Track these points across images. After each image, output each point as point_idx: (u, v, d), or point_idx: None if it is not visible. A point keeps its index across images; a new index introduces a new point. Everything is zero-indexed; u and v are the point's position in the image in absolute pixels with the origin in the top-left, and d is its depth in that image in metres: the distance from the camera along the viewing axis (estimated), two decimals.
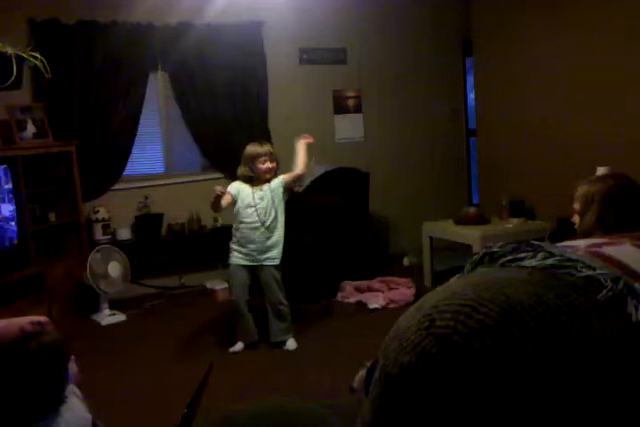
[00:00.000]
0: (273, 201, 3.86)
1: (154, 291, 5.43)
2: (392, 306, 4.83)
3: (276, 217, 3.89)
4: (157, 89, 5.53)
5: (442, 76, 6.62)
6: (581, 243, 0.68)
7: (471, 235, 4.86)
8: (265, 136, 5.80)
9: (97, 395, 2.41)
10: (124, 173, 5.36)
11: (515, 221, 5.05)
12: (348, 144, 6.26)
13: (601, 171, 3.85)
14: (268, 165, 3.81)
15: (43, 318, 1.80)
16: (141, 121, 5.36)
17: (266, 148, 3.83)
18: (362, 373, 2.04)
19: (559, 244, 0.71)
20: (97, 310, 4.81)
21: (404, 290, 5.07)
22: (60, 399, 1.80)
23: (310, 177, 4.23)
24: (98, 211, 5.11)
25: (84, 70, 5.02)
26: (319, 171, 5.80)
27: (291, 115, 5.95)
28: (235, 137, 5.67)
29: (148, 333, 4.53)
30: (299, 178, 4.03)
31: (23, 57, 4.39)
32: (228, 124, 5.64)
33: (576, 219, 2.40)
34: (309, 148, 4.02)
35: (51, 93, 4.93)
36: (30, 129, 4.71)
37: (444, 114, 6.69)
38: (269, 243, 3.89)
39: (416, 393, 0.49)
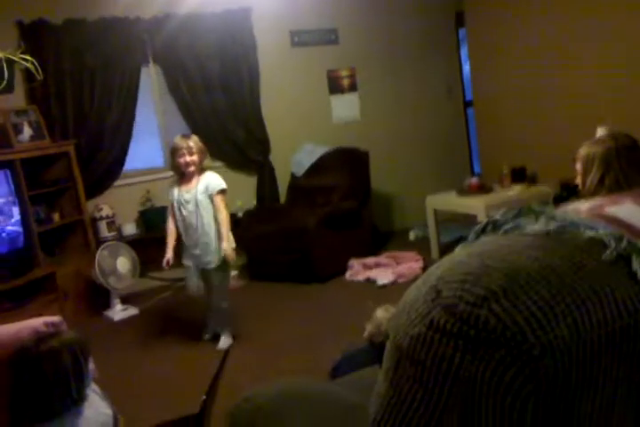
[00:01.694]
0: (198, 205, 3.78)
1: (164, 283, 5.45)
2: (401, 280, 4.85)
3: (203, 220, 3.79)
4: (151, 82, 5.50)
5: (436, 48, 6.56)
6: (583, 205, 0.68)
7: (474, 204, 4.86)
8: (258, 123, 5.78)
9: (116, 389, 2.43)
10: (125, 169, 5.36)
11: (517, 187, 5.04)
12: (345, 124, 6.23)
13: (601, 131, 3.82)
14: (186, 158, 3.73)
15: (56, 318, 1.81)
16: (137, 115, 5.34)
17: (185, 142, 3.75)
18: (369, 327, 2.06)
19: (561, 207, 0.71)
20: (109, 306, 4.83)
21: (411, 264, 5.08)
22: (82, 397, 1.82)
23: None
24: (101, 208, 5.11)
25: (76, 69, 4.99)
26: (319, 153, 5.79)
27: (286, 98, 5.92)
28: (230, 125, 5.65)
29: (162, 324, 4.55)
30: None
31: (14, 60, 4.37)
32: (223, 112, 5.62)
33: (579, 180, 2.40)
34: None
35: (44, 94, 4.90)
36: (27, 132, 4.70)
37: (441, 86, 6.65)
38: (203, 246, 3.82)
39: (427, 363, 0.50)
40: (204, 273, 3.95)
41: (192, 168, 3.76)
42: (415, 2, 6.36)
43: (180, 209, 3.83)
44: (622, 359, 0.49)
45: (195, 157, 3.74)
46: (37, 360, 1.76)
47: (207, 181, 3.79)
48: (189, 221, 3.80)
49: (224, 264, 3.86)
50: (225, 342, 4.00)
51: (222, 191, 3.78)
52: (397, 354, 0.53)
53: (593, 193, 2.22)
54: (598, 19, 4.77)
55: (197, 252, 3.85)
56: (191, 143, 3.75)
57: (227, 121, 5.64)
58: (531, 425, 0.47)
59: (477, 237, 0.65)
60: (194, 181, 3.80)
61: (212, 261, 3.83)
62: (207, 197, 3.77)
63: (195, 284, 4.00)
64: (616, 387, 0.48)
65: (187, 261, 3.94)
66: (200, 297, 4.10)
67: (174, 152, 3.78)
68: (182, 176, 3.83)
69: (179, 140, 3.78)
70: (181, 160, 3.73)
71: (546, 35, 5.23)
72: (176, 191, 3.83)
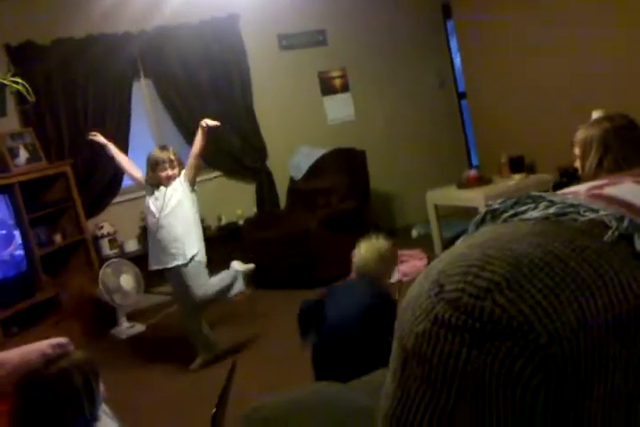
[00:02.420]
0: (166, 204, 3.70)
1: (169, 298, 5.43)
2: (405, 279, 4.83)
3: (169, 218, 3.71)
4: (143, 96, 5.50)
5: (425, 42, 6.57)
6: (582, 187, 0.67)
7: (475, 197, 4.84)
8: (253, 129, 5.77)
9: (126, 408, 2.41)
10: (123, 185, 5.35)
11: (517, 177, 5.03)
12: (340, 125, 6.23)
13: (596, 115, 3.81)
14: (168, 172, 3.68)
15: (62, 340, 1.80)
16: (132, 130, 5.34)
17: (165, 154, 3.69)
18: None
19: (560, 191, 0.69)
20: (115, 324, 4.81)
21: (415, 262, 5.06)
22: (94, 418, 1.80)
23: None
24: (102, 226, 5.11)
25: (68, 88, 5.00)
26: (316, 155, 5.78)
27: (279, 102, 5.92)
28: (225, 133, 5.65)
29: (169, 340, 4.53)
30: (196, 165, 3.82)
31: (4, 83, 4.38)
32: (218, 121, 5.60)
33: (579, 164, 2.39)
34: None
35: (38, 116, 4.91)
36: (23, 154, 4.71)
37: (433, 81, 6.65)
38: (171, 244, 3.71)
39: (434, 361, 0.48)
40: (173, 276, 3.79)
41: (172, 181, 3.71)
42: None
43: (149, 213, 3.75)
44: (631, 343, 0.47)
45: (176, 171, 3.71)
46: (49, 382, 1.75)
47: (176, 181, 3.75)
48: (155, 219, 3.70)
49: (192, 261, 3.72)
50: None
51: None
52: (404, 354, 0.51)
53: (593, 176, 2.21)
54: (591, 3, 4.76)
55: (164, 252, 3.72)
56: (172, 156, 3.70)
57: (222, 130, 5.63)
58: (542, 414, 0.46)
59: (477, 227, 0.63)
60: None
61: (180, 255, 3.70)
62: (189, 191, 3.74)
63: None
64: (626, 371, 0.47)
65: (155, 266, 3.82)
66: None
67: (155, 165, 3.69)
68: (157, 187, 3.76)
69: (159, 153, 3.71)
70: (163, 174, 3.68)
71: (536, 21, 5.22)
72: (150, 200, 3.76)
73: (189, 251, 3.71)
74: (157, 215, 3.70)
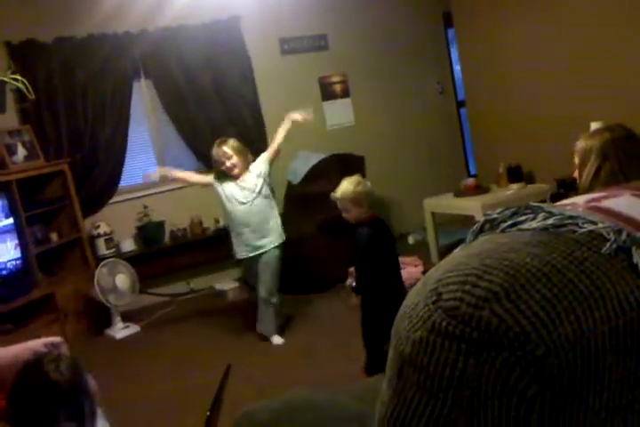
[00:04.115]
0: (259, 189, 3.98)
1: (164, 299, 5.42)
2: None
3: (262, 206, 4.00)
4: (143, 97, 5.49)
5: (426, 50, 6.57)
6: (580, 199, 0.67)
7: (472, 205, 4.84)
8: (259, 132, 5.76)
9: (120, 408, 2.40)
10: (121, 185, 5.34)
11: (514, 186, 5.03)
12: (340, 130, 6.23)
13: (595, 126, 3.82)
14: (227, 164, 3.92)
15: (56, 339, 1.80)
16: (131, 130, 5.33)
17: (220, 149, 3.92)
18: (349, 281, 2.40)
19: (558, 202, 0.70)
20: (110, 324, 4.80)
21: (411, 269, 5.04)
22: (82, 420, 1.80)
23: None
24: (99, 226, 5.10)
25: (68, 87, 5.00)
26: (314, 160, 5.77)
27: (278, 106, 5.91)
28: (225, 134, 5.63)
29: (164, 341, 4.52)
30: (277, 153, 4.17)
31: (4, 81, 4.38)
32: (220, 124, 5.60)
33: (577, 173, 2.39)
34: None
35: (36, 114, 4.90)
36: (21, 152, 4.70)
37: (433, 88, 6.66)
38: (263, 230, 4.02)
39: (430, 369, 0.49)
40: (256, 260, 4.03)
41: (236, 170, 3.92)
42: (402, 4, 6.38)
43: (235, 200, 3.94)
44: (627, 355, 0.47)
45: (234, 160, 3.90)
46: (41, 379, 1.74)
47: (255, 167, 4.01)
48: (249, 208, 3.95)
49: (282, 244, 4.07)
50: (278, 340, 4.11)
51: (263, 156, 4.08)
52: (400, 361, 0.51)
53: (590, 186, 2.21)
54: (589, 16, 4.77)
55: (257, 237, 3.98)
56: (225, 148, 3.90)
57: (224, 132, 5.62)
58: (537, 425, 0.46)
59: (475, 237, 0.64)
60: (247, 173, 3.98)
61: (273, 240, 4.02)
62: (263, 178, 3.99)
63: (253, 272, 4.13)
64: (622, 383, 0.47)
65: (243, 253, 4.04)
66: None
67: (216, 164, 3.96)
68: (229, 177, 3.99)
69: (215, 150, 3.94)
70: (224, 168, 3.92)
71: (537, 31, 5.23)
72: (231, 186, 3.95)
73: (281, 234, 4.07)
74: (247, 200, 3.94)
